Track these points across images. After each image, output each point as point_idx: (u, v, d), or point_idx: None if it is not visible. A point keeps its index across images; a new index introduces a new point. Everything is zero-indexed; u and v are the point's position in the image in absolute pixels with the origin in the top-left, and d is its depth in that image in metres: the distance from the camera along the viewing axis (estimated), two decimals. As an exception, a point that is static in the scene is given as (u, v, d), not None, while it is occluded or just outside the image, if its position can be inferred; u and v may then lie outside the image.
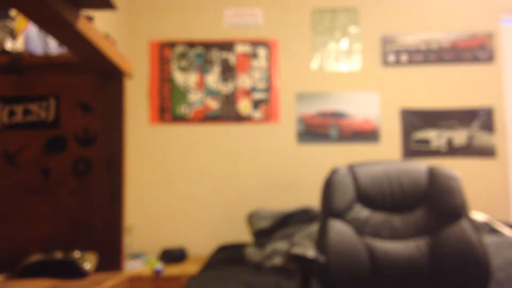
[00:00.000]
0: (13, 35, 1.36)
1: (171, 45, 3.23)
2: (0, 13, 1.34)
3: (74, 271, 1.03)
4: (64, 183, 1.18)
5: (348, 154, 3.17)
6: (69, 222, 1.17)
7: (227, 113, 3.20)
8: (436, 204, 1.70)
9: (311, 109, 3.20)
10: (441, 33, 3.25)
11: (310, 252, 1.48)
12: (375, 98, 3.21)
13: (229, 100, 3.20)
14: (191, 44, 3.24)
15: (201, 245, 3.07)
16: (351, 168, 1.79)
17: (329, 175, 1.77)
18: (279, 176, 3.16)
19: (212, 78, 3.22)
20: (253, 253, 2.45)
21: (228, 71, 3.22)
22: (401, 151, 3.19)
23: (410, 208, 1.73)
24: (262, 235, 2.63)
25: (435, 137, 3.19)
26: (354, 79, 3.23)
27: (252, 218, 2.77)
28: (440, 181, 1.73)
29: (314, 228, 2.42)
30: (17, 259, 1.05)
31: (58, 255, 1.05)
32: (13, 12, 1.37)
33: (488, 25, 3.26)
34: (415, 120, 3.20)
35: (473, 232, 1.64)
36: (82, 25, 0.89)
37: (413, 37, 3.26)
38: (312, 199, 3.06)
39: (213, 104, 3.20)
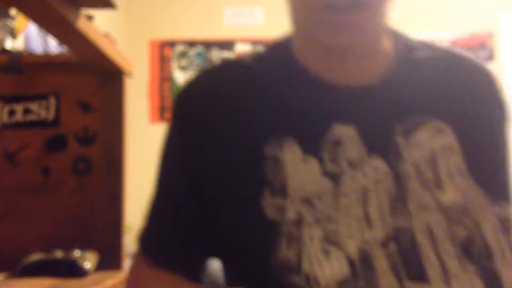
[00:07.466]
0: (13, 34, 1.36)
1: (171, 44, 3.23)
2: (0, 12, 1.34)
3: (74, 270, 1.03)
4: (64, 183, 1.18)
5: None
6: (69, 221, 1.17)
7: (227, 112, 3.19)
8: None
9: (311, 108, 3.20)
10: (441, 32, 3.25)
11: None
12: (375, 97, 3.21)
13: (229, 99, 3.20)
14: (191, 43, 3.23)
15: (201, 244, 3.07)
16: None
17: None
18: (279, 175, 3.15)
19: (212, 77, 3.21)
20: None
21: (228, 70, 3.22)
22: (401, 150, 3.18)
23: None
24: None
25: (435, 136, 3.19)
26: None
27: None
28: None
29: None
30: (17, 258, 1.05)
31: (58, 254, 1.05)
32: (13, 11, 1.37)
33: (488, 24, 3.25)
34: (415, 119, 3.20)
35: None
36: (82, 24, 0.89)
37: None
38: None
39: (213, 103, 3.20)
